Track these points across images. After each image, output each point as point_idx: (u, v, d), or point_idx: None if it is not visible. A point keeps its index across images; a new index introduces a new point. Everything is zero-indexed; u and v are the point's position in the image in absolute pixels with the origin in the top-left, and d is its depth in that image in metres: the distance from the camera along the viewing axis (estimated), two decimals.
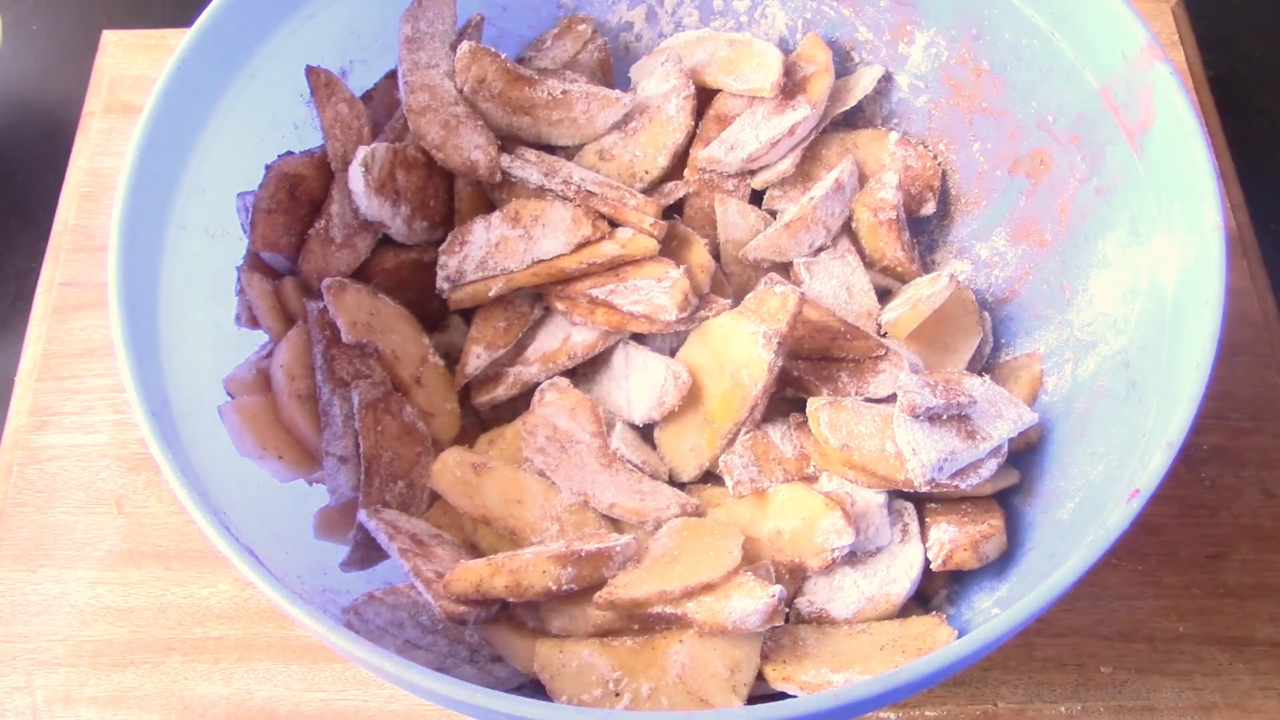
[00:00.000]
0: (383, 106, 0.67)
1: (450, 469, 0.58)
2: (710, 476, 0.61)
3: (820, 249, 0.67)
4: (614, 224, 0.64)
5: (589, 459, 0.59)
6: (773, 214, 0.69)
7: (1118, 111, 0.57)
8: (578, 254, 0.63)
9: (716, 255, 0.66)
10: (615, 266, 0.63)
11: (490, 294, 0.62)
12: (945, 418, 0.56)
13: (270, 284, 0.60)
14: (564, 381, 0.62)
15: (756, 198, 0.69)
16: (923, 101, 0.70)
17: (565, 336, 0.63)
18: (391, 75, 0.67)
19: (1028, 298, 0.65)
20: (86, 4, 0.96)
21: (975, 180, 0.68)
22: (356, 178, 0.61)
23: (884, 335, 0.64)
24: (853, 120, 0.71)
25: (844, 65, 0.71)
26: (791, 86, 0.68)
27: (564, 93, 0.66)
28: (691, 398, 0.59)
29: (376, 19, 0.66)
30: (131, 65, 0.85)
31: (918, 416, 0.55)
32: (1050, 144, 0.62)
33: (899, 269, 0.67)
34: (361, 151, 0.61)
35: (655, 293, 0.60)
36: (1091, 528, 0.47)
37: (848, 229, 0.68)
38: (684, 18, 0.74)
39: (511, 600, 0.52)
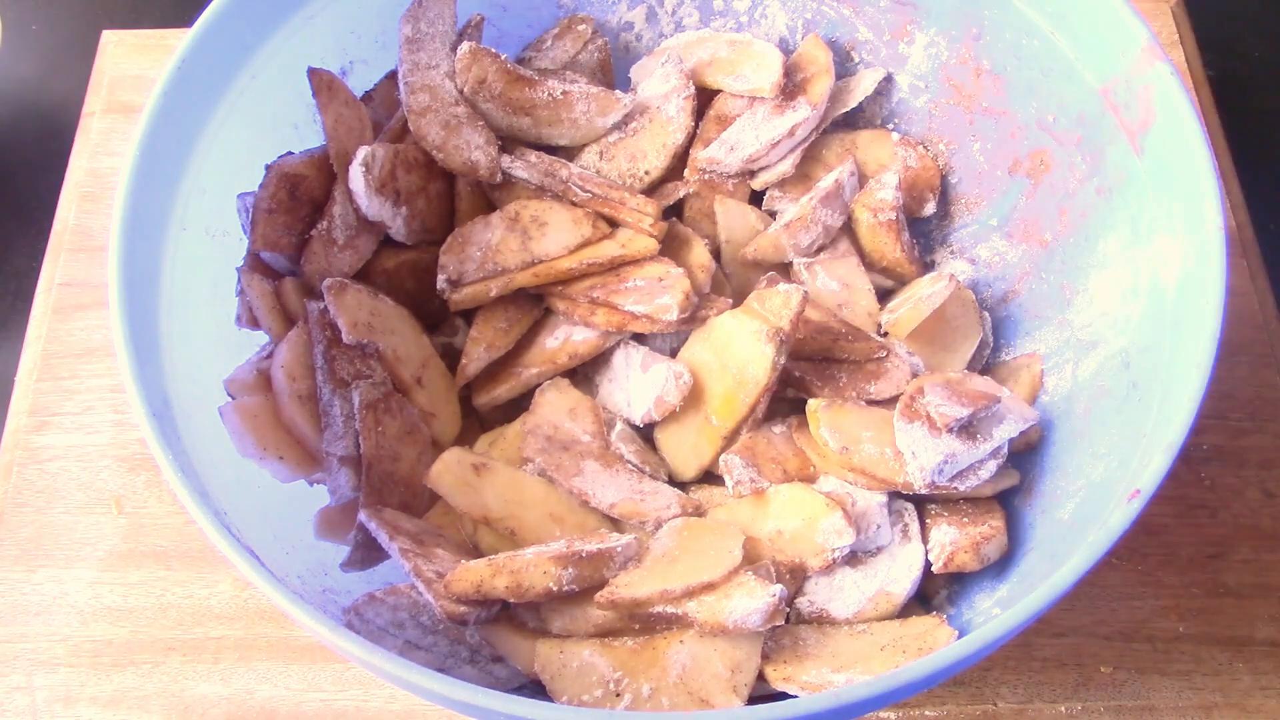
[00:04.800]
0: (383, 107, 0.67)
1: (451, 469, 0.58)
2: (710, 476, 0.61)
3: (820, 249, 0.67)
4: (614, 224, 0.64)
5: (589, 459, 0.59)
6: (773, 214, 0.69)
7: (1118, 111, 0.57)
8: (578, 254, 0.63)
9: (716, 256, 0.66)
10: (615, 267, 0.63)
11: (490, 295, 0.62)
12: None
13: (271, 284, 0.60)
14: (564, 381, 0.62)
15: (756, 198, 0.69)
16: (923, 102, 0.70)
17: (565, 336, 0.63)
18: (392, 76, 0.67)
19: (1028, 298, 0.65)
20: (86, 4, 0.96)
21: (975, 180, 0.68)
22: (357, 178, 0.61)
23: (884, 335, 0.64)
24: (853, 121, 0.71)
25: (844, 65, 0.71)
26: (792, 87, 0.68)
27: (564, 93, 0.66)
28: (692, 397, 0.59)
29: (376, 19, 0.66)
30: (131, 65, 0.85)
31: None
32: (1050, 144, 0.63)
33: (899, 269, 0.67)
34: (362, 152, 0.61)
35: (656, 292, 0.60)
36: (1092, 528, 0.47)
37: (848, 229, 0.68)
38: (684, 18, 0.74)
39: (512, 600, 0.52)
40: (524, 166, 0.65)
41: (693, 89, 0.69)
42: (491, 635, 0.54)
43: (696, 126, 0.69)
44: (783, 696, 0.51)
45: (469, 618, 0.51)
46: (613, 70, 0.73)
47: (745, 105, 0.69)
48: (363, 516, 0.55)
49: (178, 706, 0.63)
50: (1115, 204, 0.58)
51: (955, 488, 0.56)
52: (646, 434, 0.62)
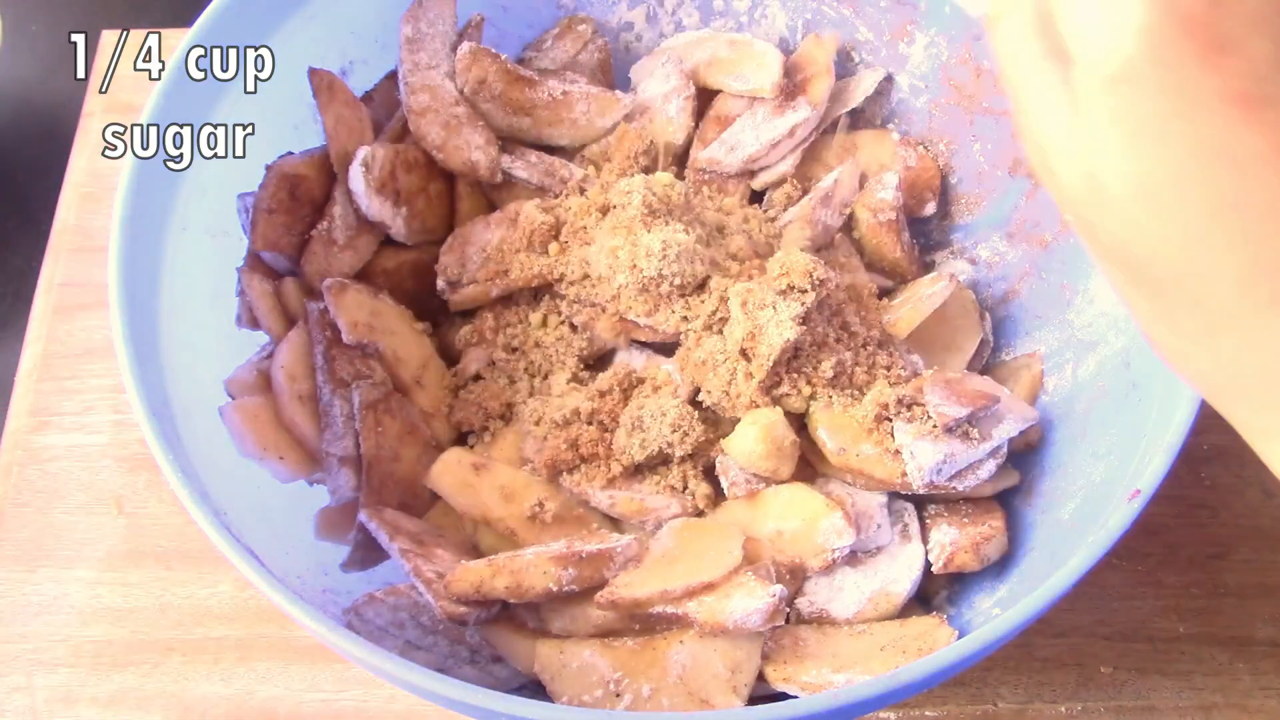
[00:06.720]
0: (383, 107, 0.67)
1: (450, 469, 0.58)
2: (710, 477, 0.61)
3: (820, 249, 0.67)
4: None
5: None
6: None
7: None
8: None
9: None
10: None
11: (491, 295, 0.62)
12: None
13: (271, 285, 0.60)
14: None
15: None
16: (923, 102, 0.70)
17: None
18: (392, 76, 0.67)
19: (1028, 298, 0.65)
20: (86, 4, 0.96)
21: (975, 180, 0.68)
22: (357, 178, 0.61)
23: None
24: (853, 120, 0.71)
25: (844, 66, 0.71)
26: (792, 87, 0.68)
27: (564, 93, 0.66)
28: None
29: (376, 19, 0.66)
30: (131, 65, 0.85)
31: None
32: None
33: (899, 269, 0.67)
34: (362, 152, 0.61)
35: None
36: (1092, 528, 0.47)
37: (848, 229, 0.68)
38: (684, 18, 0.74)
39: (512, 601, 0.52)
40: (524, 166, 0.65)
41: (693, 89, 0.69)
42: (491, 635, 0.54)
43: (696, 127, 0.69)
44: (783, 696, 0.51)
45: (469, 618, 0.51)
46: (613, 70, 0.73)
47: (745, 105, 0.68)
48: (363, 516, 0.55)
49: (178, 706, 0.63)
50: None
51: (955, 488, 0.56)
52: None
